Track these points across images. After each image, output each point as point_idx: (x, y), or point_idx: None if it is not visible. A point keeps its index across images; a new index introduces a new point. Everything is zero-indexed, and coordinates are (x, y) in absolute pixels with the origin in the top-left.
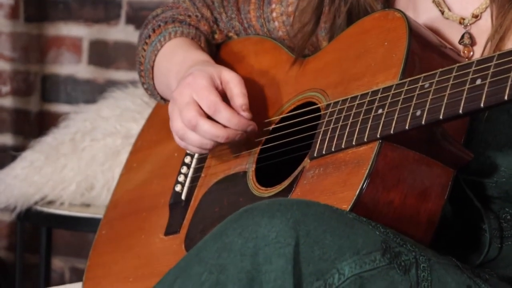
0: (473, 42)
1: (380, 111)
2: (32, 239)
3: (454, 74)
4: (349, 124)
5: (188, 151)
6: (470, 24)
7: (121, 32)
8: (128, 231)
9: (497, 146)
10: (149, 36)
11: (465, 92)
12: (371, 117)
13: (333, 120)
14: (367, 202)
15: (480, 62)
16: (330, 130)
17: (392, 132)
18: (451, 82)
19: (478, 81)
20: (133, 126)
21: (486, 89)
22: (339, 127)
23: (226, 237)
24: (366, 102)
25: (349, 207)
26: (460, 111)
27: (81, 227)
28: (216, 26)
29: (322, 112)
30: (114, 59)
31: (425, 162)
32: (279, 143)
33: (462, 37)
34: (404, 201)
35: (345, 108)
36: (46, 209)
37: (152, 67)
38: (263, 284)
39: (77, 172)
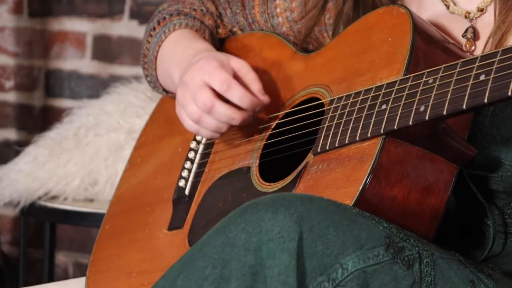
0: (476, 37)
1: (383, 106)
2: (36, 234)
3: (458, 69)
4: (352, 119)
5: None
6: (475, 18)
7: (125, 27)
8: (132, 226)
9: (502, 140)
10: (154, 28)
11: (469, 88)
12: (375, 113)
13: (337, 116)
14: (370, 198)
15: (484, 57)
16: (333, 125)
17: (395, 127)
18: (454, 77)
19: (482, 77)
20: (136, 121)
21: (490, 84)
22: (342, 122)
23: (229, 232)
24: (370, 98)
25: (352, 202)
26: (464, 107)
27: (85, 222)
28: (220, 21)
29: (326, 108)
30: (118, 54)
31: (429, 157)
32: (282, 139)
33: (466, 31)
34: (408, 197)
35: (349, 104)
36: (50, 204)
37: (156, 58)
38: (267, 279)
39: (81, 167)
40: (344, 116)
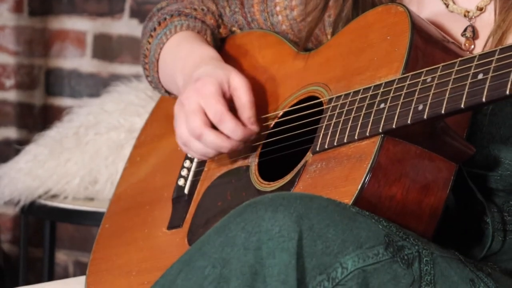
0: (475, 36)
1: (382, 105)
2: (36, 232)
3: (456, 68)
4: (351, 118)
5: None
6: (475, 17)
7: (125, 26)
8: (131, 225)
9: (501, 139)
10: (154, 29)
11: (467, 87)
12: (373, 112)
13: (336, 115)
14: (369, 197)
15: (482, 56)
16: (332, 124)
17: (394, 126)
18: (453, 76)
19: (480, 76)
20: (136, 120)
21: (488, 83)
22: (341, 121)
23: (229, 231)
24: (369, 97)
25: (351, 201)
26: (462, 106)
27: (85, 221)
28: (221, 20)
29: (324, 107)
30: (118, 53)
31: (427, 156)
32: (281, 137)
33: (465, 30)
34: (407, 195)
35: (348, 103)
36: (50, 203)
37: (157, 60)
38: (266, 278)
39: (81, 166)
40: (343, 115)
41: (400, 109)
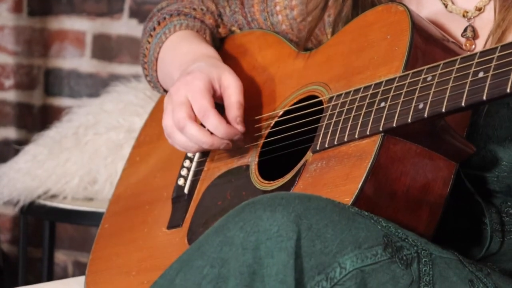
0: (475, 35)
1: (382, 104)
2: (35, 232)
3: (456, 66)
4: (351, 117)
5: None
6: (474, 17)
7: (124, 26)
8: (131, 224)
9: (498, 140)
10: (154, 29)
11: (468, 85)
12: (374, 110)
13: (336, 114)
14: (369, 195)
15: (482, 54)
16: (332, 123)
17: (394, 125)
18: (453, 75)
19: (481, 74)
20: (136, 120)
21: (488, 82)
22: (341, 120)
23: (228, 231)
24: (369, 95)
25: (352, 200)
26: (463, 104)
27: (84, 221)
28: (221, 20)
29: (324, 106)
30: (117, 53)
31: (428, 155)
32: (282, 137)
33: (465, 30)
34: (407, 194)
35: (348, 101)
36: (49, 203)
37: (156, 59)
38: (265, 278)
39: (80, 166)
40: (343, 114)
41: (400, 107)
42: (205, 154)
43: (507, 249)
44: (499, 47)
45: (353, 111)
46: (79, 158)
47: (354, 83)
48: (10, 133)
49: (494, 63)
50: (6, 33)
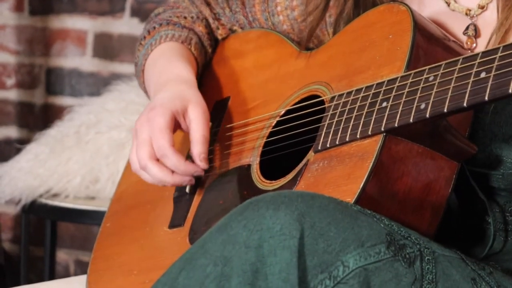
0: (477, 34)
1: (384, 104)
2: (37, 231)
3: (458, 66)
4: (353, 117)
5: None
6: (477, 15)
7: (126, 25)
8: (133, 223)
9: (503, 137)
10: (144, 38)
11: (470, 85)
12: (376, 110)
13: (338, 113)
14: (371, 195)
15: (485, 54)
16: (334, 123)
17: (396, 125)
18: (455, 75)
19: (483, 74)
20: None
21: (490, 82)
22: (343, 120)
23: (231, 230)
24: (371, 95)
25: (353, 200)
26: (465, 104)
27: (86, 220)
28: (218, 21)
29: (326, 105)
30: (119, 52)
31: (429, 155)
32: (283, 136)
33: (467, 28)
34: (408, 194)
35: (350, 101)
36: (51, 202)
37: (143, 71)
38: (268, 276)
39: (82, 165)
40: (345, 114)
41: (402, 107)
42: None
43: (510, 248)
44: (501, 47)
45: (355, 110)
46: (80, 157)
47: (356, 82)
48: (11, 132)
49: (496, 63)
50: (7, 32)
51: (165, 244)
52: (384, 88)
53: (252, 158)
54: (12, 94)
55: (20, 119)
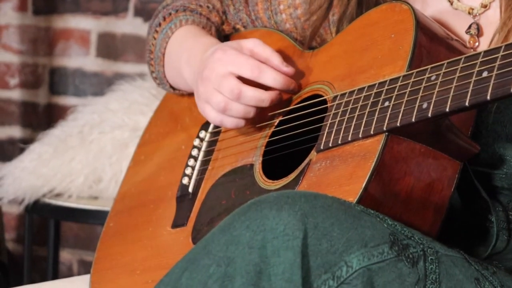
0: (480, 33)
1: (386, 103)
2: (40, 231)
3: (460, 66)
4: (355, 116)
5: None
6: (479, 14)
7: (129, 25)
8: (136, 223)
9: (506, 137)
10: (159, 24)
11: (472, 85)
12: (378, 110)
13: (340, 113)
14: (373, 195)
15: (487, 53)
16: (336, 122)
17: (398, 124)
18: (457, 74)
19: (485, 74)
20: (141, 119)
21: (492, 81)
22: (345, 119)
23: (234, 230)
24: (373, 94)
25: (356, 199)
26: (467, 104)
27: (89, 220)
28: (225, 17)
29: (328, 105)
30: (122, 51)
31: (432, 154)
32: (286, 136)
33: (469, 27)
34: (411, 194)
35: (352, 101)
36: (54, 202)
37: (163, 54)
38: (271, 277)
39: (85, 164)
40: (347, 113)
41: (404, 107)
42: (209, 153)
43: None
44: (503, 47)
45: (357, 110)
46: (84, 157)
47: (358, 82)
48: (15, 131)
49: (498, 62)
50: (11, 32)
51: (168, 243)
52: (386, 87)
53: (254, 157)
54: (15, 94)
55: (24, 119)
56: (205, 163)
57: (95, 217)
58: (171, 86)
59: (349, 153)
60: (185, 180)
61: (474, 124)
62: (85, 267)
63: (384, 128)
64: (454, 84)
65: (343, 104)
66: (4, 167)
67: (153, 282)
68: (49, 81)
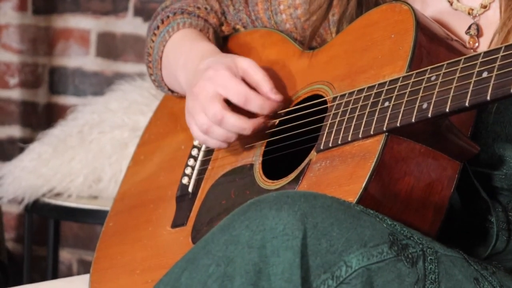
0: (479, 33)
1: (386, 103)
2: (40, 231)
3: (460, 66)
4: (355, 116)
5: (197, 145)
6: (479, 15)
7: (129, 25)
8: (135, 223)
9: (506, 137)
10: (158, 27)
11: (472, 85)
12: (378, 110)
13: (340, 113)
14: (373, 195)
15: (487, 54)
16: (336, 122)
17: (398, 125)
18: (457, 74)
19: (485, 74)
20: (140, 118)
21: (492, 82)
22: (345, 119)
23: (233, 230)
24: (373, 95)
25: (355, 200)
26: (467, 104)
27: (89, 219)
28: (224, 18)
29: (329, 105)
30: (122, 51)
31: (432, 155)
32: (286, 136)
33: (469, 27)
34: (411, 194)
35: (352, 101)
36: (54, 201)
37: (161, 58)
38: (271, 277)
39: (85, 164)
40: (347, 113)
41: (404, 107)
42: (209, 153)
43: None
44: (503, 47)
45: (357, 110)
46: (83, 157)
47: (358, 82)
48: (15, 131)
49: (498, 63)
50: (10, 32)
51: (168, 243)
52: (386, 87)
53: (254, 157)
54: (15, 94)
55: (23, 118)
56: (205, 163)
57: (95, 217)
58: (169, 89)
59: (349, 153)
60: (185, 180)
61: (474, 125)
62: (84, 267)
63: (384, 128)
64: (454, 84)
65: (343, 104)
66: (4, 166)
67: (153, 282)
68: (49, 80)
